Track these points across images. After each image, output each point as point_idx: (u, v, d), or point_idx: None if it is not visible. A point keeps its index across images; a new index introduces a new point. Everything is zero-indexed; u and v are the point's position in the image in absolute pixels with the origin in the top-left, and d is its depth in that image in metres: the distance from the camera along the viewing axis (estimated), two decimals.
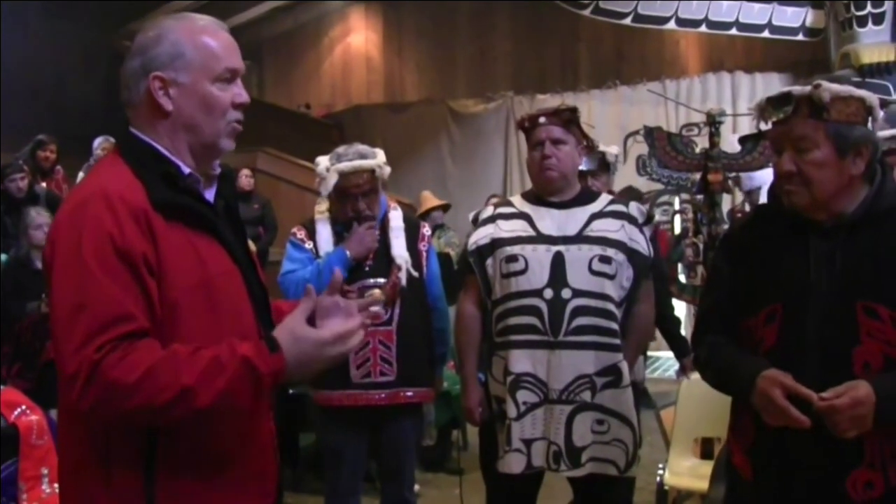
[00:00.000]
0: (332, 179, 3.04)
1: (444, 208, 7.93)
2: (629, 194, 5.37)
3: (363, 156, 3.08)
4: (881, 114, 1.91)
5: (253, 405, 1.50)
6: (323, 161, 3.12)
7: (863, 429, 1.72)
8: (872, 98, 1.84)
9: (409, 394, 3.09)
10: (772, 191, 1.99)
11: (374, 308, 1.73)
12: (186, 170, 1.58)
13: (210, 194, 1.65)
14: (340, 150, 3.14)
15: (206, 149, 1.61)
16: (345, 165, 3.04)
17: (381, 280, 3.06)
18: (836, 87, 1.80)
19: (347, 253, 3.03)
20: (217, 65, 1.57)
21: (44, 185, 6.70)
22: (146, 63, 1.55)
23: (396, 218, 3.18)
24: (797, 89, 1.84)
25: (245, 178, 8.09)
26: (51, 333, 1.48)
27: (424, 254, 3.20)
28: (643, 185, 7.58)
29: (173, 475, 1.49)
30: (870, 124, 1.85)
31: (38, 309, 4.75)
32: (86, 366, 1.37)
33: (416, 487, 4.28)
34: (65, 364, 1.40)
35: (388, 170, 3.11)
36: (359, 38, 12.42)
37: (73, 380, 1.39)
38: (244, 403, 1.47)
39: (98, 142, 7.52)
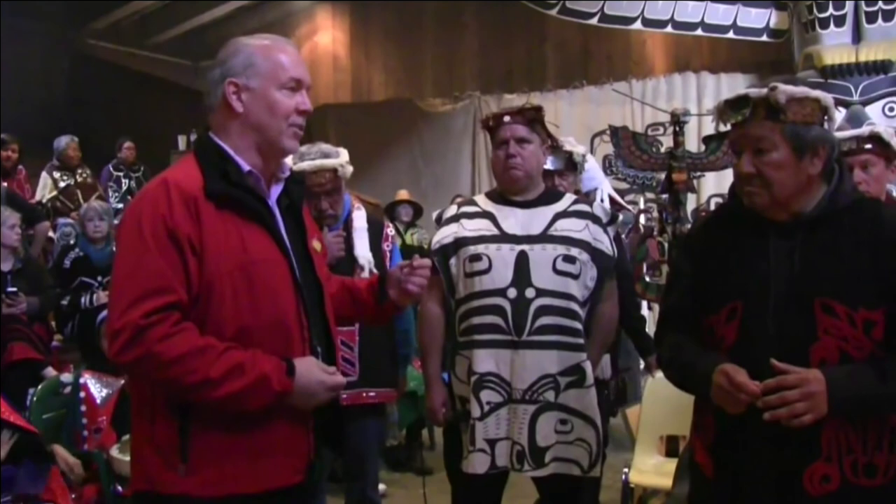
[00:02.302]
0: None
1: (416, 209, 7.95)
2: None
3: (326, 155, 3.07)
4: (837, 113, 1.93)
5: (258, 410, 1.73)
6: (286, 160, 3.10)
7: (818, 411, 1.73)
8: (827, 98, 1.87)
9: (372, 394, 3.07)
10: (732, 191, 2.01)
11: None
12: (246, 167, 1.82)
13: (275, 192, 1.90)
14: (303, 148, 3.12)
15: (270, 147, 1.86)
16: (307, 164, 3.03)
17: None
18: (791, 88, 1.82)
19: None
20: (283, 74, 1.83)
21: (5, 184, 6.59)
22: (224, 71, 1.83)
23: (360, 218, 3.17)
24: (754, 91, 1.86)
25: None
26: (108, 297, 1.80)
27: (388, 254, 3.20)
28: (610, 184, 7.61)
29: (206, 431, 1.72)
30: (826, 124, 1.87)
31: None
32: (130, 327, 1.65)
33: (382, 487, 4.27)
34: (113, 320, 1.68)
35: (350, 169, 3.10)
36: (326, 37, 12.33)
37: (116, 335, 1.66)
38: (251, 407, 1.72)
39: (65, 141, 7.40)
